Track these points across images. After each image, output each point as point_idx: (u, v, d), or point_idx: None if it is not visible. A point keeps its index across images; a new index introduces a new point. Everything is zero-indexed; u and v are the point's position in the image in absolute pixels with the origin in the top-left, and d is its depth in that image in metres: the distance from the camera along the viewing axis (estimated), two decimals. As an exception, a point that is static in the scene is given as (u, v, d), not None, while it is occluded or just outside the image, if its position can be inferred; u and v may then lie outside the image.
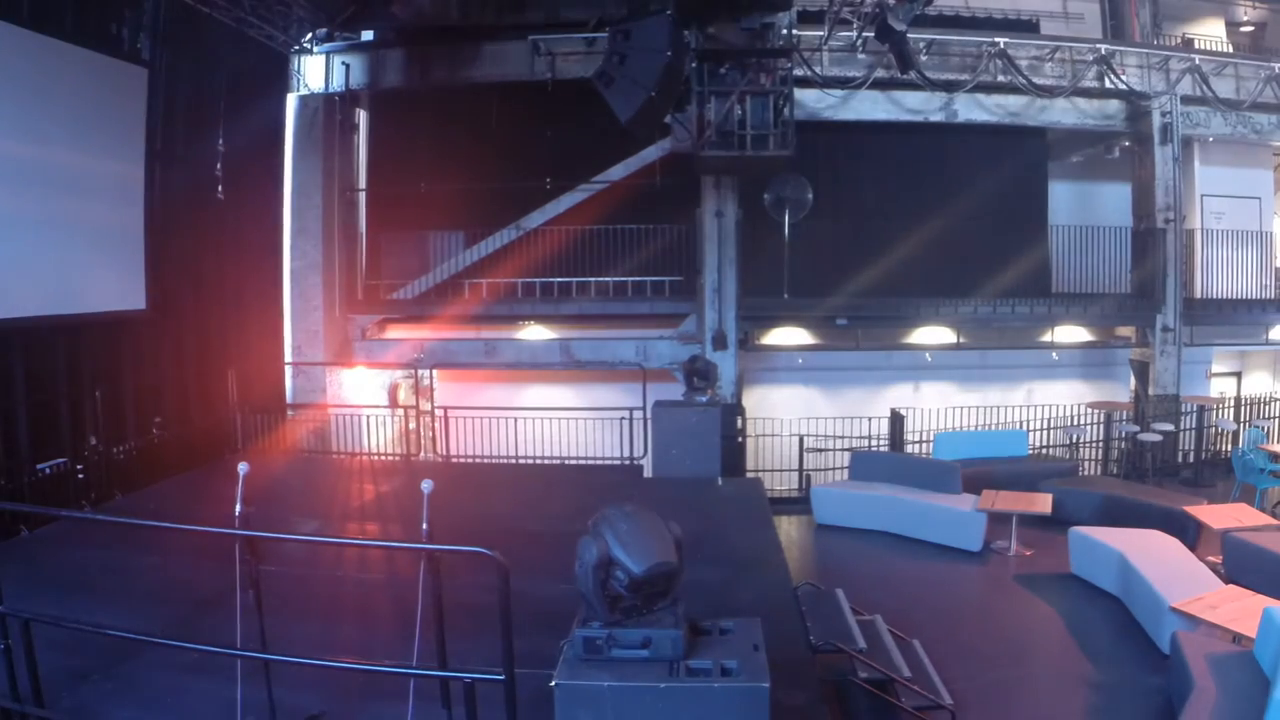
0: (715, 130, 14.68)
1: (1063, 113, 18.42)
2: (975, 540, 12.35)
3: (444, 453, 16.09)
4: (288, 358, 17.49)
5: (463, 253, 18.59)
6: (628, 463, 15.24)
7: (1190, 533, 11.46)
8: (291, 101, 17.74)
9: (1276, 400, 19.27)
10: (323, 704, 6.08)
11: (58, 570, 9.30)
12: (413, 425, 17.95)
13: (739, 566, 9.69)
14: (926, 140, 18.41)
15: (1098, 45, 18.06)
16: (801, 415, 18.02)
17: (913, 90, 17.54)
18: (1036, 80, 17.56)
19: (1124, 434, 17.96)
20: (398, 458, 16.43)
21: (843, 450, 17.04)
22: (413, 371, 18.67)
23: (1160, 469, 17.10)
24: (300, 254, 17.73)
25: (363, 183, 19.37)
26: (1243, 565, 10.31)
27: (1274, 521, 11.55)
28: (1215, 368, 20.73)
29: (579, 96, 16.50)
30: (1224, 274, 19.36)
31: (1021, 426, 17.68)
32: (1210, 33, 20.74)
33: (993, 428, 17.96)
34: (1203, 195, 19.74)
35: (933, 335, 19.11)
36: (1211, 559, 10.81)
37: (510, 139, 18.04)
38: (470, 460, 15.93)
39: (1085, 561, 11.07)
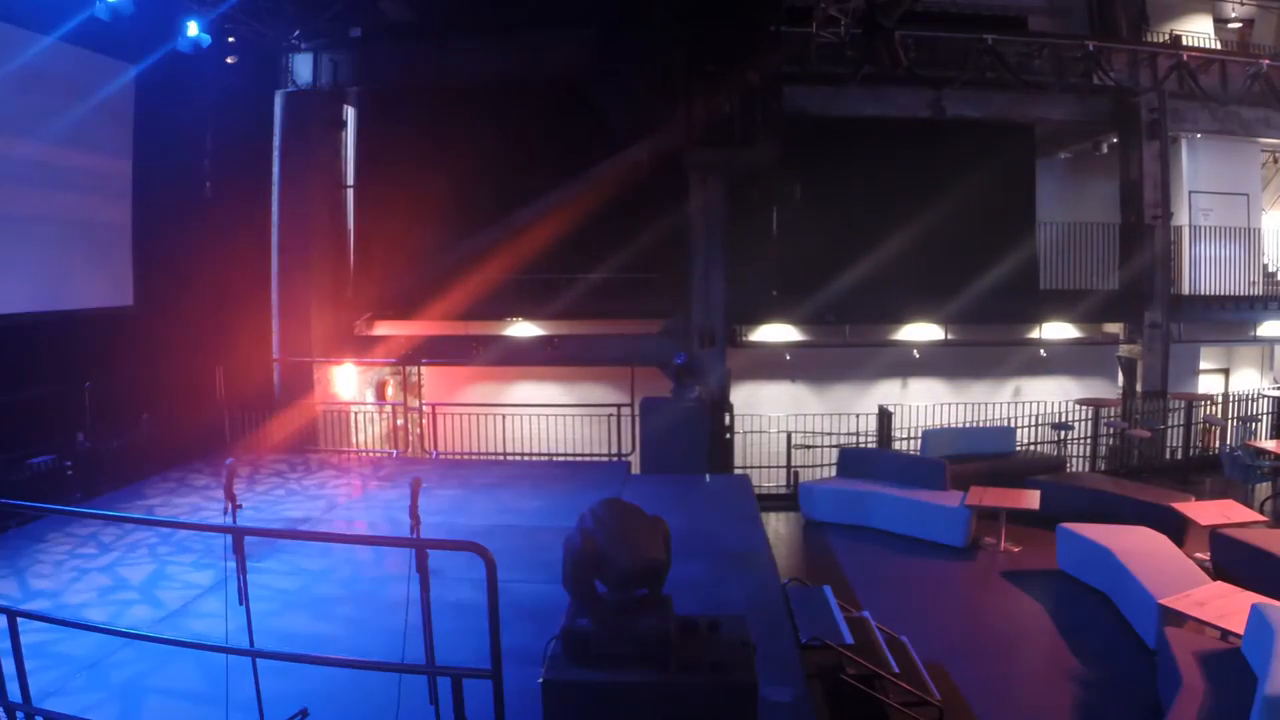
0: (704, 128, 14.67)
1: (1051, 108, 18.45)
2: (961, 536, 12.38)
3: (432, 449, 16.08)
4: (276, 354, 17.44)
5: (451, 249, 18.51)
6: (615, 459, 15.25)
7: (1178, 529, 11.47)
8: (279, 98, 17.67)
9: (1264, 397, 19.33)
10: (310, 700, 6.05)
11: (46, 566, 9.28)
12: (401, 421, 17.94)
13: (727, 563, 9.70)
14: (915, 137, 18.36)
15: (1085, 42, 18.07)
16: (789, 412, 18.06)
17: (901, 87, 17.52)
18: (1024, 76, 17.57)
19: (1112, 430, 18.00)
20: (386, 454, 16.41)
21: (831, 447, 17.04)
22: (401, 368, 18.64)
23: (1148, 465, 17.14)
24: (288, 250, 17.63)
25: (350, 179, 19.30)
26: (1230, 561, 10.36)
27: (1262, 518, 11.59)
28: (1203, 364, 20.79)
29: (568, 94, 16.50)
30: (1212, 271, 19.40)
31: (1009, 423, 17.70)
32: (1198, 29, 20.77)
33: (980, 424, 18.00)
34: (1190, 192, 19.79)
35: (920, 332, 19.12)
36: (1199, 555, 10.86)
37: (499, 136, 17.94)
38: (458, 456, 15.92)
39: (1073, 558, 11.10)
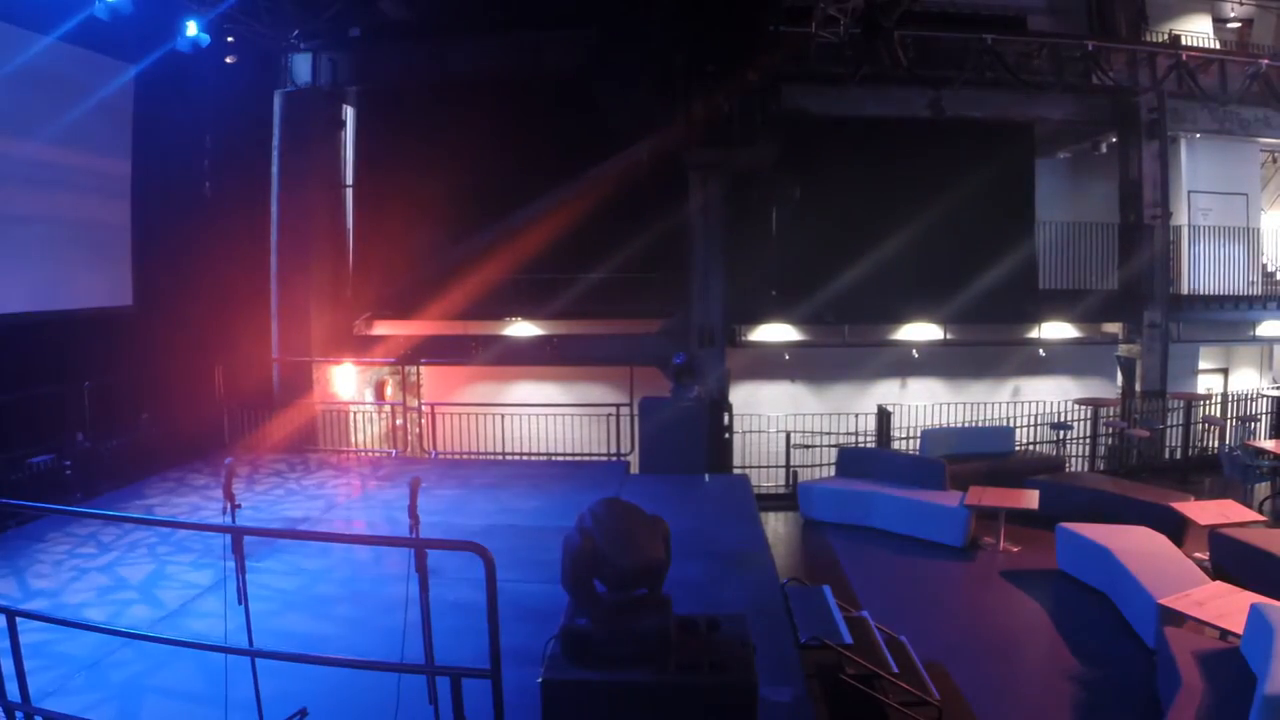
0: (703, 127, 14.68)
1: (1050, 108, 18.47)
2: (960, 536, 12.36)
3: (431, 448, 16.07)
4: (275, 354, 17.44)
5: (450, 249, 18.50)
6: (614, 459, 15.24)
7: (1177, 529, 11.46)
8: (279, 98, 17.67)
9: (1263, 396, 19.31)
10: (309, 700, 6.05)
11: (45, 565, 9.27)
12: (400, 421, 17.92)
13: (726, 563, 9.69)
14: (914, 136, 18.33)
15: (1085, 42, 18.07)
16: (788, 412, 18.05)
17: (900, 86, 17.51)
18: (1024, 76, 17.55)
19: (1111, 430, 18.00)
20: (385, 454, 16.40)
21: (830, 446, 17.03)
22: (400, 368, 18.63)
23: (1147, 465, 17.13)
24: (287, 250, 17.63)
25: (350, 179, 19.29)
26: (1230, 561, 10.35)
27: (1261, 518, 11.58)
28: (1202, 364, 20.78)
29: (568, 94, 16.49)
30: (1211, 270, 19.39)
31: (1008, 423, 17.70)
32: (1197, 29, 20.77)
33: (979, 424, 17.99)
34: (1190, 191, 19.79)
35: (919, 332, 19.12)
36: (1198, 555, 10.84)
37: (498, 136, 17.91)
38: (457, 456, 15.91)
39: (1072, 557, 11.09)
